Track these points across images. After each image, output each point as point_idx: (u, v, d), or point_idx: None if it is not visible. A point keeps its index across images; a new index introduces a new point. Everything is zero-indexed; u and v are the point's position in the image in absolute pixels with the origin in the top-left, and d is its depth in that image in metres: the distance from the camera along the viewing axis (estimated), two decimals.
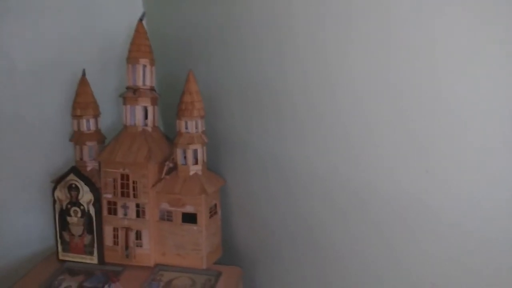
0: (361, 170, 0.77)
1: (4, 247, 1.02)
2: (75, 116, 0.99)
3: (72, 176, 0.94)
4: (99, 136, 1.01)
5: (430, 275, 0.68)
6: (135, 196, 0.93)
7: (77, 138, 0.99)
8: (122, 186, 0.93)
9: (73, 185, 0.95)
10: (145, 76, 0.96)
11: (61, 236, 0.98)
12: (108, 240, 0.96)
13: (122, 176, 0.93)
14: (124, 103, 0.96)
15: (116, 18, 1.08)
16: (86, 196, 0.95)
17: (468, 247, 0.63)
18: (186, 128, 0.92)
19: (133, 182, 0.92)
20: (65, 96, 1.03)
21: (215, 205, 0.96)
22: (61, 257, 0.98)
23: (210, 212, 0.93)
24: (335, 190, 0.82)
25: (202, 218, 0.90)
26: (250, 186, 0.97)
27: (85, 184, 0.94)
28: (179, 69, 1.04)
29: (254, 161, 0.94)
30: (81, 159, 0.99)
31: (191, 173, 0.92)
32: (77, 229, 0.97)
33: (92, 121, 1.00)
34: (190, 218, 0.92)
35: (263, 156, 0.92)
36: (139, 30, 0.95)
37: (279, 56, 0.83)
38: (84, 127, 0.99)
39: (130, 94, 0.95)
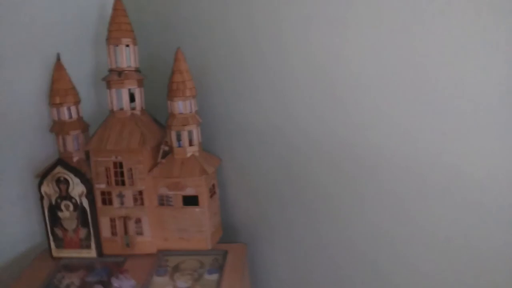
0: (359, 131, 0.80)
1: None
2: (54, 104, 0.92)
3: (59, 169, 0.89)
4: (82, 124, 0.95)
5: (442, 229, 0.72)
6: (131, 183, 0.89)
7: (59, 128, 0.92)
8: (116, 174, 0.89)
9: (62, 178, 0.89)
10: (129, 56, 0.90)
11: (53, 233, 0.93)
12: (106, 232, 0.92)
13: (115, 164, 0.89)
14: (109, 87, 0.91)
15: None
16: (77, 188, 0.90)
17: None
18: (180, 108, 0.88)
19: (128, 169, 0.88)
20: (39, 84, 0.95)
21: (213, 184, 0.95)
22: (55, 254, 0.94)
23: (210, 192, 0.92)
24: (334, 154, 0.85)
25: (204, 199, 0.89)
26: (245, 161, 0.97)
27: (75, 176, 0.89)
28: (161, 48, 1.00)
29: (247, 135, 0.94)
30: (65, 150, 0.93)
31: (188, 154, 0.90)
32: (71, 224, 0.92)
33: (73, 108, 0.93)
34: (191, 201, 0.90)
35: (256, 129, 0.92)
36: (118, 7, 0.89)
37: (269, 24, 0.82)
38: (65, 116, 0.92)
39: (115, 77, 0.90)
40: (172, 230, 0.92)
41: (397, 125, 0.77)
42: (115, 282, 0.82)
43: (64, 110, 0.92)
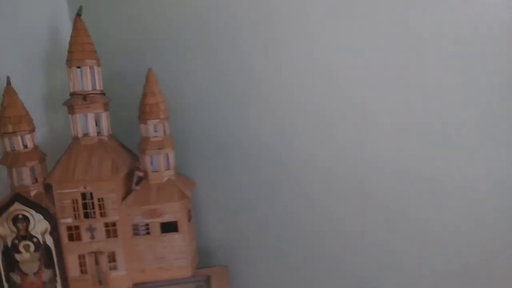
0: (344, 147, 0.84)
1: None
2: (6, 134, 0.82)
3: (17, 206, 0.79)
4: (39, 153, 0.86)
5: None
6: (102, 215, 0.82)
7: (13, 159, 0.82)
8: (85, 206, 0.82)
9: (20, 216, 0.80)
10: (94, 78, 0.85)
11: (8, 279, 0.82)
12: (74, 271, 0.84)
13: (84, 195, 0.81)
14: (72, 112, 0.84)
15: (35, 15, 0.92)
16: (39, 225, 0.81)
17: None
18: (154, 132, 0.85)
19: (99, 200, 0.82)
20: None
21: (189, 209, 0.92)
22: None
23: (187, 217, 0.89)
24: (317, 169, 0.88)
25: (183, 224, 0.85)
26: (220, 181, 0.95)
27: (37, 212, 0.80)
28: (125, 69, 0.95)
29: (221, 155, 0.93)
30: (21, 183, 0.83)
31: (165, 179, 0.86)
32: (31, 266, 0.82)
33: (28, 137, 0.84)
34: (168, 227, 0.86)
35: (230, 147, 0.92)
36: (79, 27, 0.83)
37: (239, 38, 0.84)
38: (19, 146, 0.83)
39: (79, 101, 0.83)
40: (149, 260, 0.86)
41: (385, 139, 0.81)
42: None
43: (18, 139, 0.83)
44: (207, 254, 1.00)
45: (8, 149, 0.83)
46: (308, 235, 0.91)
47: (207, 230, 0.99)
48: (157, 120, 0.84)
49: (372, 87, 0.80)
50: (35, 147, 0.86)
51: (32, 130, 0.85)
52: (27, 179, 0.83)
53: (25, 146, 0.84)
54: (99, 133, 0.86)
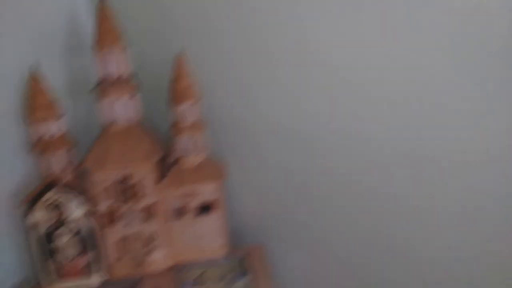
0: (375, 126, 0.86)
1: None
2: (35, 121, 0.80)
3: (53, 192, 0.78)
4: (68, 140, 0.84)
5: None
6: (139, 198, 0.83)
7: (43, 147, 0.81)
8: (123, 190, 0.82)
9: (56, 202, 0.79)
10: (122, 63, 0.83)
11: (47, 266, 0.81)
12: (112, 254, 0.84)
13: (121, 179, 0.81)
14: (101, 97, 0.83)
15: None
16: (76, 211, 0.80)
17: None
18: (186, 114, 0.84)
19: (136, 184, 0.82)
20: (7, 99, 0.82)
21: (223, 189, 0.93)
22: None
23: (222, 197, 0.90)
24: (349, 148, 0.90)
25: (219, 205, 0.87)
26: (252, 161, 0.96)
27: (74, 198, 0.79)
28: (152, 52, 0.94)
29: (251, 135, 0.94)
30: (52, 171, 0.82)
31: (198, 161, 0.86)
32: (70, 252, 0.82)
33: (57, 124, 0.83)
34: (204, 208, 0.87)
35: (263, 127, 0.93)
36: (104, 11, 0.81)
37: (275, 19, 0.84)
38: (49, 133, 0.82)
39: (108, 86, 0.82)
40: (186, 242, 0.88)
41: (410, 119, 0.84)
42: None
43: (48, 126, 0.81)
44: (239, 234, 1.02)
45: (37, 136, 0.81)
46: (340, 211, 0.94)
47: (239, 210, 1.00)
48: (189, 102, 0.84)
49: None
50: (64, 134, 0.84)
51: (60, 117, 0.83)
52: (58, 166, 0.82)
53: (54, 133, 0.82)
54: (128, 117, 0.85)
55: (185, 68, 0.84)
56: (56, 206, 0.79)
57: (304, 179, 0.95)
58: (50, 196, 0.79)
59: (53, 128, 0.82)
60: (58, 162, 0.82)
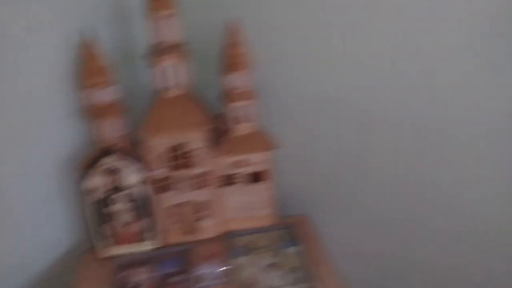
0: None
1: (21, 256, 0.81)
2: (88, 87, 0.80)
3: (109, 158, 0.79)
4: (121, 106, 0.84)
5: None
6: (193, 166, 0.83)
7: (97, 112, 0.81)
8: (176, 157, 0.82)
9: (112, 168, 0.79)
10: (174, 29, 0.82)
11: (101, 230, 0.83)
12: (165, 220, 0.85)
13: (175, 146, 0.81)
14: (153, 64, 0.82)
15: None
16: (131, 177, 0.81)
17: None
18: (239, 83, 0.84)
19: (189, 151, 0.82)
20: (60, 65, 0.82)
21: (273, 159, 0.93)
22: (105, 254, 0.84)
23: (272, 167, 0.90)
24: (398, 122, 0.89)
25: (269, 174, 0.87)
26: (300, 132, 0.96)
27: (129, 164, 0.80)
28: (205, 19, 0.92)
29: (302, 106, 0.93)
30: (106, 136, 0.82)
31: (249, 130, 0.86)
32: (124, 218, 0.83)
33: (110, 89, 0.82)
34: (254, 177, 0.87)
35: (311, 98, 0.92)
36: None
37: None
38: (102, 98, 0.81)
39: (160, 52, 0.81)
40: (236, 209, 0.89)
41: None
42: (199, 270, 0.78)
43: (101, 92, 0.81)
44: (283, 204, 1.02)
45: (90, 103, 0.81)
46: (387, 184, 0.95)
47: (287, 180, 1.00)
48: (242, 71, 0.83)
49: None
50: (117, 100, 0.84)
51: (113, 83, 0.83)
52: (111, 132, 0.82)
53: (107, 100, 0.82)
54: (180, 85, 0.84)
55: (239, 36, 0.82)
56: (112, 172, 0.80)
57: (348, 151, 0.95)
58: (106, 161, 0.79)
59: (105, 94, 0.82)
60: (110, 128, 0.82)
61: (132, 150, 0.83)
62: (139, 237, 0.84)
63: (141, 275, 0.79)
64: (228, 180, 0.87)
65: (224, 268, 0.79)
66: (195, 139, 0.82)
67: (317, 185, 1.00)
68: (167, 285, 0.77)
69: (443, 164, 0.90)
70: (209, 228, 0.88)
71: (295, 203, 1.01)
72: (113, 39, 0.90)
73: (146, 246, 0.85)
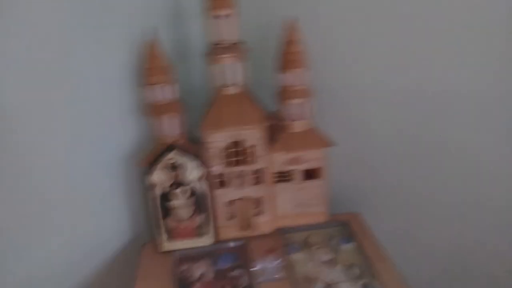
0: None
1: (84, 247, 0.84)
2: (150, 85, 0.83)
3: (174, 154, 0.81)
4: (180, 104, 0.87)
5: None
6: (251, 162, 0.85)
7: (157, 110, 0.84)
8: (235, 154, 0.84)
9: (175, 164, 0.82)
10: (233, 28, 0.84)
11: (162, 224, 0.85)
12: (222, 216, 0.87)
13: (235, 143, 0.83)
14: (212, 62, 0.84)
15: None
16: (193, 173, 0.83)
17: None
18: (296, 80, 0.85)
19: (248, 148, 0.84)
20: (125, 62, 0.85)
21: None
22: (165, 248, 0.86)
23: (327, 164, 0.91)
24: (452, 120, 0.88)
25: (324, 171, 0.88)
26: (353, 130, 0.97)
27: (192, 160, 0.82)
28: (261, 18, 0.93)
29: (355, 103, 0.94)
30: (166, 133, 0.85)
31: (305, 128, 0.87)
32: (185, 212, 0.85)
33: (171, 88, 0.85)
34: (309, 174, 0.88)
35: (365, 96, 0.92)
36: None
37: None
38: (164, 96, 0.84)
39: (220, 51, 0.83)
40: (290, 206, 0.90)
41: None
42: (259, 264, 0.79)
43: (163, 90, 0.84)
44: (336, 201, 1.03)
45: (152, 100, 0.84)
46: (440, 180, 0.94)
47: (337, 178, 1.01)
48: (299, 69, 0.84)
49: None
50: (177, 98, 0.87)
51: (173, 81, 0.86)
52: (171, 129, 0.85)
53: (168, 97, 0.85)
54: (238, 83, 0.86)
55: (296, 34, 0.84)
56: (174, 167, 0.82)
57: (404, 152, 0.95)
58: (170, 157, 0.81)
59: (167, 92, 0.84)
60: (170, 125, 0.85)
61: (191, 147, 0.86)
62: (196, 232, 0.87)
63: (201, 268, 0.81)
64: (283, 177, 0.88)
65: (282, 263, 0.80)
66: (252, 136, 0.83)
67: (368, 183, 1.00)
68: (227, 279, 0.78)
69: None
70: (263, 224, 0.89)
71: (345, 201, 1.01)
72: (171, 39, 0.93)
73: (203, 241, 0.87)
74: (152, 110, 0.84)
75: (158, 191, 0.83)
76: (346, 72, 0.92)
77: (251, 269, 0.79)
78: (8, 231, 0.71)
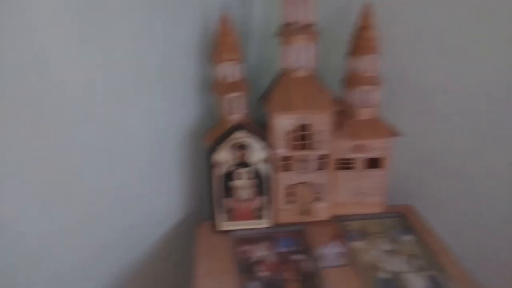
0: None
1: (141, 223, 0.84)
2: (220, 62, 0.81)
3: (240, 134, 0.80)
4: (246, 84, 0.85)
5: None
6: (316, 147, 0.83)
7: (223, 88, 0.82)
8: (301, 138, 0.83)
9: (241, 144, 0.81)
10: (309, 9, 0.82)
11: (222, 204, 0.84)
12: (281, 200, 0.86)
13: (301, 127, 0.82)
14: (284, 43, 0.82)
15: None
16: (257, 154, 0.82)
17: None
18: (367, 67, 0.83)
19: (315, 132, 0.83)
20: (195, 38, 0.83)
21: None
22: (222, 228, 0.86)
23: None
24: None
25: (387, 161, 0.87)
26: (415, 123, 0.95)
27: (257, 141, 0.81)
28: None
29: (419, 97, 0.93)
30: (231, 112, 0.84)
31: (371, 116, 0.86)
32: (245, 193, 0.84)
33: (239, 66, 0.83)
34: (371, 163, 0.87)
35: (430, 90, 0.91)
36: None
37: None
38: (233, 74, 0.82)
39: (293, 32, 0.81)
40: (349, 194, 0.89)
41: None
42: (322, 250, 0.78)
43: (232, 68, 0.82)
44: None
45: (220, 77, 0.82)
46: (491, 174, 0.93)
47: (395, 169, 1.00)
48: (371, 55, 0.83)
49: None
50: (244, 77, 0.85)
51: (242, 60, 0.84)
52: (238, 108, 0.84)
53: (236, 76, 0.83)
54: (308, 66, 0.84)
55: (372, 20, 0.82)
56: (241, 147, 0.81)
57: (462, 147, 0.94)
58: (238, 136, 0.80)
59: (235, 70, 0.83)
60: (238, 104, 0.84)
61: (257, 128, 0.84)
62: (255, 214, 0.86)
63: (262, 250, 0.81)
64: (345, 164, 0.87)
65: (344, 250, 0.79)
66: (320, 121, 0.82)
67: (422, 176, 0.99)
68: (289, 262, 0.78)
69: None
70: (322, 210, 0.88)
71: (400, 192, 1.00)
72: (239, 17, 0.91)
73: (262, 224, 0.86)
74: (220, 88, 0.83)
75: (222, 170, 0.82)
76: (415, 62, 0.90)
77: (314, 254, 0.78)
78: (79, 208, 0.70)
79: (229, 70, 0.82)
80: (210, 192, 0.84)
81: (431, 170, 0.98)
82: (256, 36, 0.98)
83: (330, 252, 0.79)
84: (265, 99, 0.84)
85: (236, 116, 0.84)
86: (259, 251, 0.81)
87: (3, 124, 0.56)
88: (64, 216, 0.67)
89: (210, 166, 0.82)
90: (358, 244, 0.82)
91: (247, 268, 0.76)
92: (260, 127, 0.84)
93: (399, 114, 0.95)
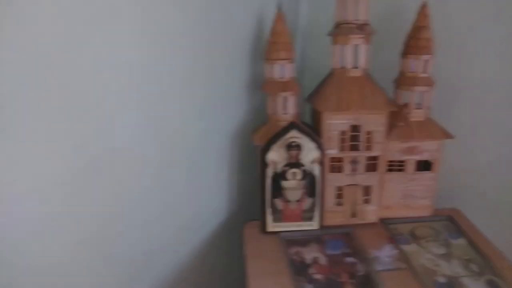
0: None
1: (187, 224, 0.83)
2: (273, 61, 0.80)
3: (294, 133, 0.79)
4: (296, 83, 0.84)
5: None
6: (367, 148, 0.82)
7: (274, 87, 0.81)
8: (352, 138, 0.82)
9: (293, 143, 0.80)
10: (364, 8, 0.81)
11: (271, 204, 0.83)
12: (329, 201, 0.85)
13: (353, 127, 0.81)
14: (338, 42, 0.81)
15: None
16: (310, 154, 0.81)
17: None
18: (421, 68, 0.82)
19: (367, 133, 0.81)
20: (241, 38, 0.82)
21: None
22: (271, 228, 0.84)
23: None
24: None
25: (438, 164, 0.85)
26: (460, 123, 0.94)
27: (309, 142, 0.80)
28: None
29: (470, 96, 0.91)
30: (280, 112, 0.82)
31: (423, 117, 0.85)
32: (295, 194, 0.83)
33: (290, 66, 0.82)
34: (421, 166, 0.86)
35: (484, 90, 0.90)
36: None
37: None
38: (285, 74, 0.81)
39: (347, 31, 0.80)
40: (397, 196, 0.88)
41: None
42: (373, 253, 0.77)
43: (284, 66, 0.81)
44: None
45: (271, 76, 0.81)
46: None
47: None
48: (424, 56, 0.82)
49: None
50: (294, 76, 0.84)
51: (293, 60, 0.83)
52: (289, 108, 0.83)
53: (287, 75, 0.82)
54: (361, 65, 0.83)
55: (427, 20, 0.81)
56: (293, 147, 0.80)
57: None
58: (291, 135, 0.79)
59: (288, 69, 0.82)
60: (289, 104, 0.83)
61: (307, 128, 0.83)
62: (303, 215, 0.85)
63: (313, 252, 0.80)
64: (395, 166, 0.86)
65: (398, 253, 0.78)
66: (373, 122, 0.81)
67: (468, 181, 0.98)
68: (342, 265, 0.77)
69: None
70: (370, 212, 0.87)
71: (446, 196, 0.99)
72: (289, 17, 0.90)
73: (311, 225, 0.85)
74: (272, 87, 0.82)
75: (274, 169, 0.81)
76: (467, 65, 0.89)
77: (367, 257, 0.77)
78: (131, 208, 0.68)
79: (282, 69, 0.81)
80: (261, 192, 0.82)
81: (477, 172, 0.97)
82: (300, 35, 0.97)
83: (384, 255, 0.78)
84: (314, 99, 0.83)
85: (288, 115, 0.83)
86: (311, 253, 0.79)
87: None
88: (110, 218, 0.65)
89: (263, 165, 0.81)
90: (411, 247, 0.81)
91: (300, 270, 0.75)
92: (311, 127, 0.83)
93: (448, 116, 0.94)
